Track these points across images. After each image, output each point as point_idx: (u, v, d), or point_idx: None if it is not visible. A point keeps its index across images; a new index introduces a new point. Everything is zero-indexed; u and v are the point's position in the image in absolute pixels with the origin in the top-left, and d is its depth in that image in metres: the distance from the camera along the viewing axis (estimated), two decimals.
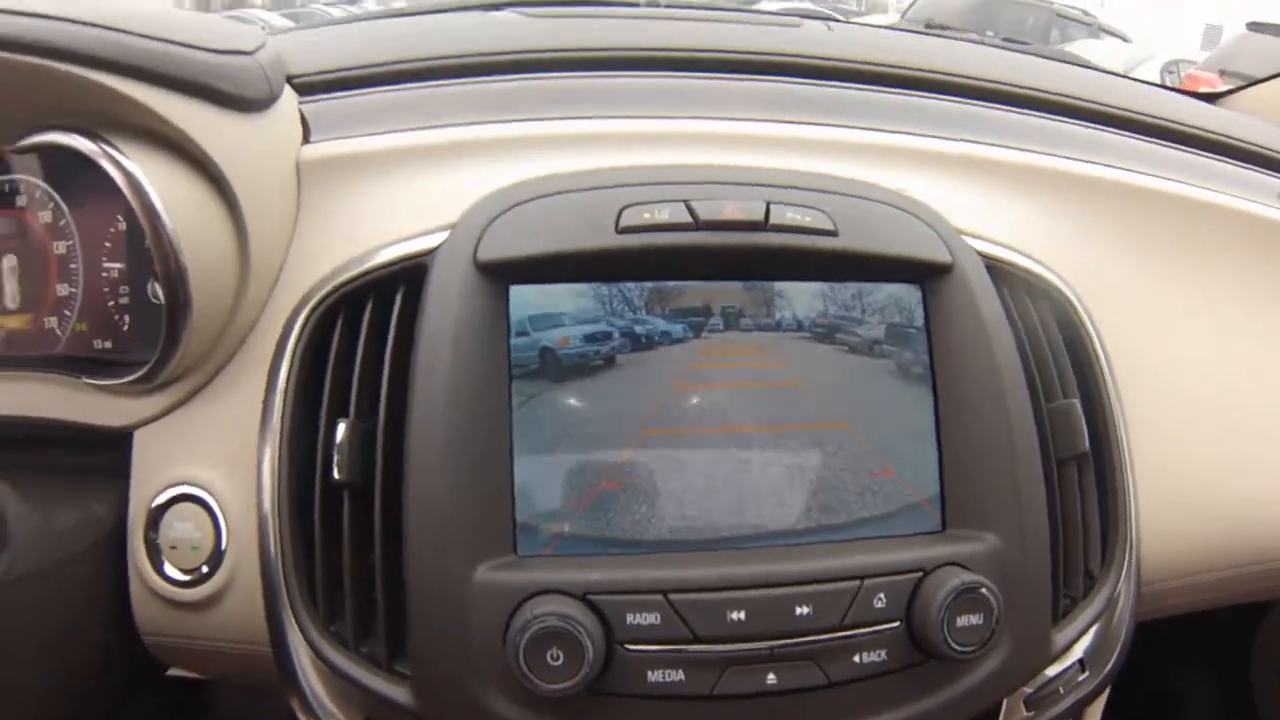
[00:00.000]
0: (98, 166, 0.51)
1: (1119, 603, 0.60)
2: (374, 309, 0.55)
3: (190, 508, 0.55)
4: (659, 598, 0.49)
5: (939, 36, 1.07)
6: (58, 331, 0.59)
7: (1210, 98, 1.06)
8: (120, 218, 0.58)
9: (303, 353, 0.55)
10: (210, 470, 0.56)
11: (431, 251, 0.55)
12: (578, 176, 0.58)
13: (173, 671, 0.65)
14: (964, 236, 0.59)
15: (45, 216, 0.59)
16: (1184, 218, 0.69)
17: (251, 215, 0.54)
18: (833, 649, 0.50)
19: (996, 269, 0.60)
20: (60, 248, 0.59)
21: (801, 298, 0.55)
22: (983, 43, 1.10)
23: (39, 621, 0.54)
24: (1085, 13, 9.21)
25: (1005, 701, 0.57)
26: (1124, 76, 1.17)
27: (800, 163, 0.62)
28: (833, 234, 0.54)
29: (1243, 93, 1.02)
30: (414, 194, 0.58)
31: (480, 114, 0.63)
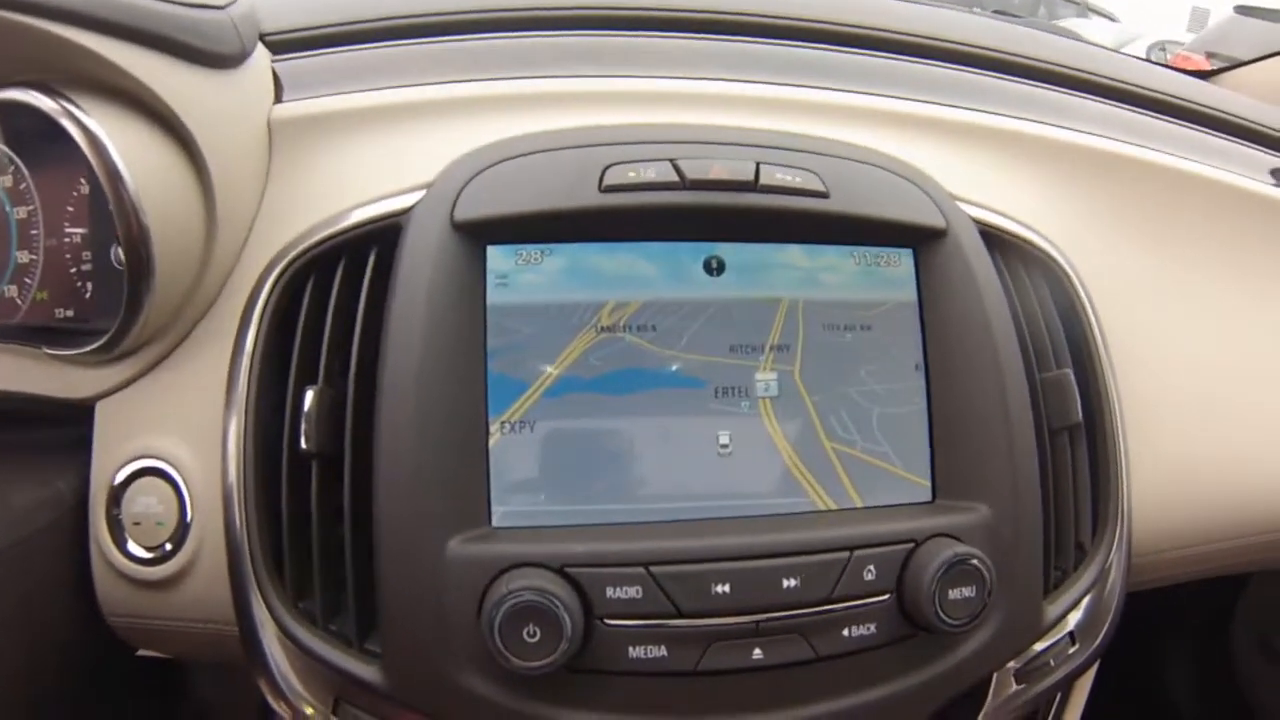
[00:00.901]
0: (59, 126, 0.49)
1: (1110, 575, 0.60)
2: (345, 271, 0.54)
3: (154, 481, 0.54)
4: (640, 570, 0.47)
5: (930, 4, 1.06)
6: (18, 300, 0.57)
7: (1200, 76, 1.06)
8: (83, 180, 0.56)
9: (270, 317, 0.54)
10: (174, 442, 0.54)
11: (406, 211, 0.53)
12: (559, 135, 0.56)
13: (143, 651, 0.63)
14: (959, 202, 0.58)
15: (5, 180, 0.56)
16: (1177, 191, 0.69)
17: (219, 176, 0.53)
18: (821, 622, 0.49)
19: (991, 236, 0.59)
20: (21, 213, 0.56)
21: (790, 260, 0.54)
22: (983, 13, 1.09)
23: (7, 601, 0.52)
24: None
25: (995, 674, 0.56)
26: (1121, 53, 1.17)
27: (791, 124, 0.61)
28: (824, 196, 0.53)
29: (1230, 73, 1.04)
30: (389, 153, 0.57)
31: (457, 72, 0.61)
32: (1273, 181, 0.74)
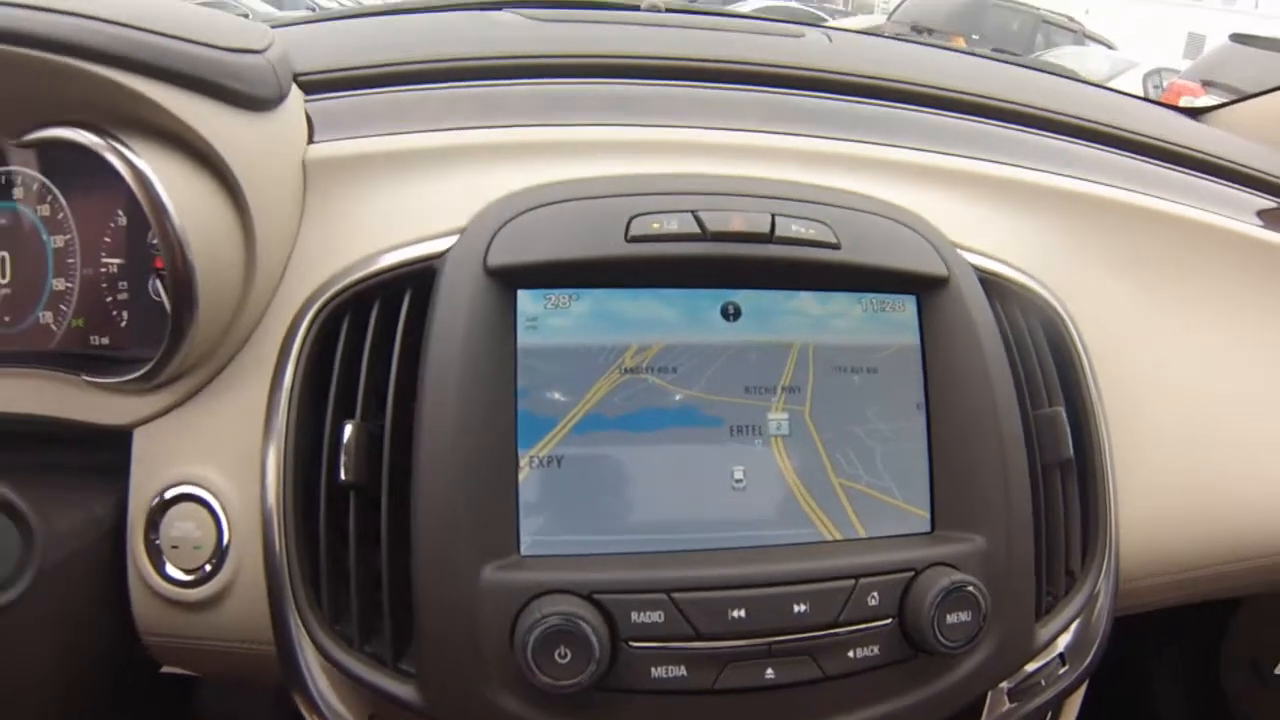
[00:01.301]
0: (97, 161, 0.51)
1: (1098, 600, 0.62)
2: (381, 311, 0.56)
3: (191, 507, 0.55)
4: (663, 597, 0.50)
5: (929, 45, 1.08)
6: (53, 327, 0.59)
7: (1196, 112, 1.08)
8: (121, 213, 0.58)
9: (308, 353, 0.56)
10: (211, 469, 0.56)
11: (440, 255, 0.55)
12: (586, 184, 0.58)
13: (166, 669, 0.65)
14: (958, 249, 0.60)
15: (43, 210, 0.59)
16: (1168, 234, 0.71)
17: (258, 213, 0.54)
18: (829, 645, 0.52)
19: (990, 281, 0.61)
20: (58, 241, 0.58)
21: (801, 307, 0.57)
22: (974, 54, 1.12)
23: (40, 624, 0.54)
24: (1071, 19, 9.31)
25: (990, 693, 0.59)
26: (1110, 89, 1.20)
27: (803, 174, 0.63)
28: (835, 247, 0.56)
29: (1235, 106, 1.05)
30: (420, 196, 0.59)
31: (485, 118, 0.63)
32: (1260, 223, 0.76)
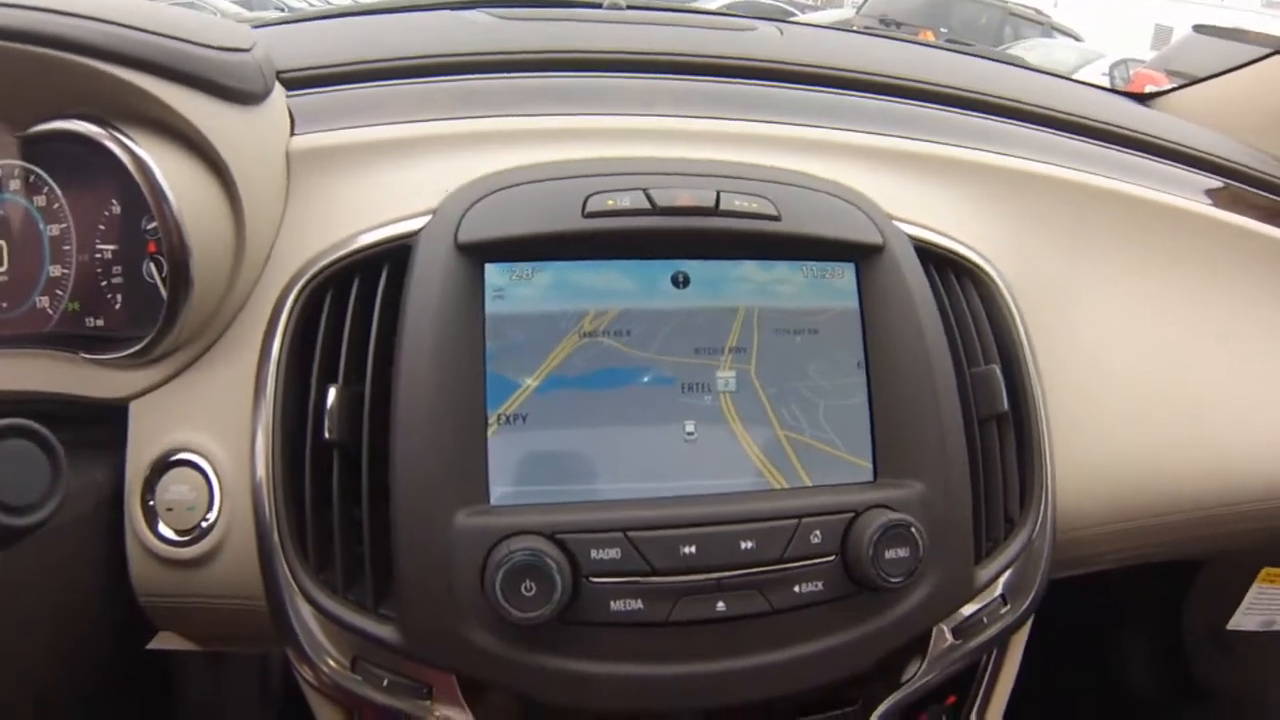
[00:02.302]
0: (92, 153, 0.54)
1: (1036, 545, 0.66)
2: (361, 285, 0.60)
3: (185, 471, 0.59)
4: (619, 535, 0.54)
5: (884, 37, 1.13)
6: (49, 310, 0.62)
7: (1146, 97, 1.11)
8: (115, 201, 0.61)
9: (294, 326, 0.60)
10: (204, 435, 0.60)
11: (415, 234, 0.59)
12: (547, 167, 0.63)
13: (153, 645, 0.68)
14: (895, 221, 0.65)
15: (39, 200, 0.62)
16: (1104, 207, 0.75)
17: (247, 199, 0.58)
18: (775, 580, 0.56)
19: (924, 250, 0.65)
20: (54, 230, 0.61)
21: (746, 274, 0.61)
22: (926, 44, 1.16)
23: (48, 582, 0.58)
24: (1038, 11, 9.38)
25: (934, 630, 0.63)
26: (1063, 77, 1.24)
27: (748, 156, 0.67)
28: (776, 219, 0.60)
29: (1183, 91, 1.08)
30: (395, 182, 0.63)
31: (456, 110, 0.68)
32: (1208, 201, 0.81)
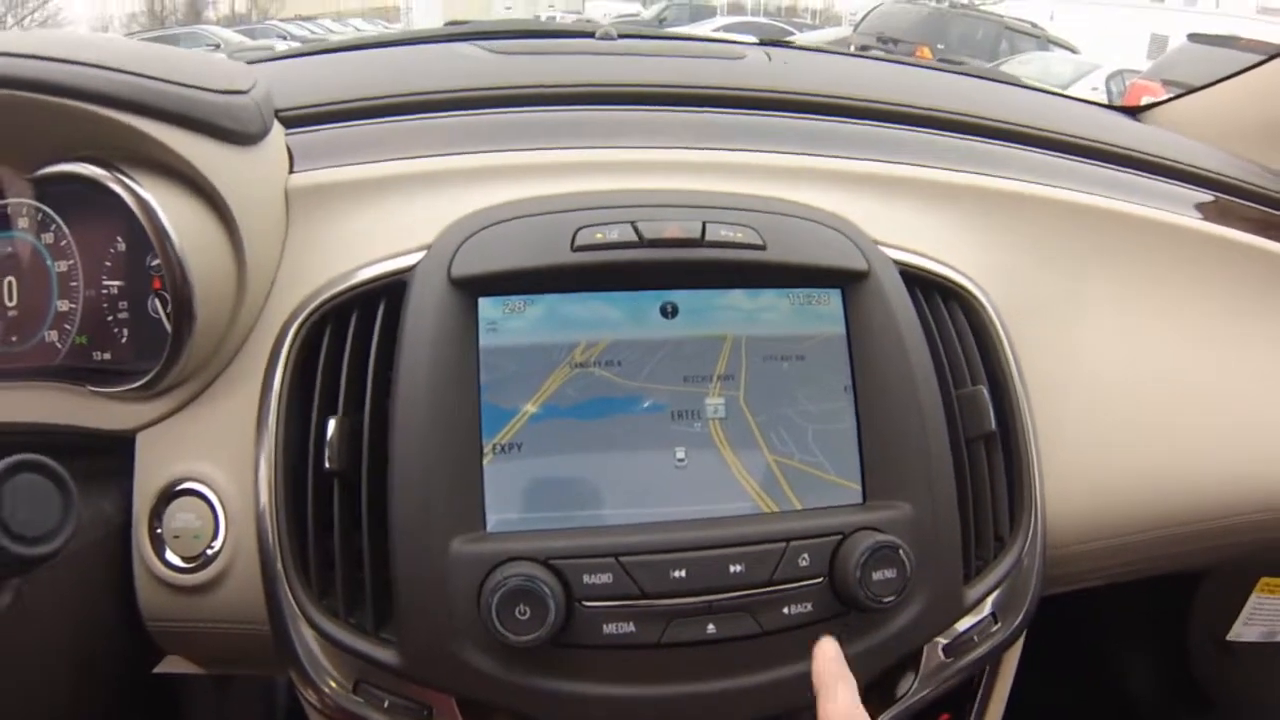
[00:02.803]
0: (99, 192, 0.56)
1: (1026, 563, 0.66)
2: (359, 320, 0.61)
3: (191, 500, 0.61)
4: (611, 560, 0.55)
5: (874, 59, 1.14)
6: (58, 344, 0.63)
7: (1137, 111, 1.12)
8: (120, 239, 0.63)
9: (294, 360, 0.61)
10: (209, 466, 0.61)
11: (410, 269, 0.61)
12: (537, 201, 0.64)
13: (160, 669, 0.69)
14: (880, 246, 0.66)
15: (47, 238, 0.63)
16: (1092, 225, 0.76)
17: (248, 237, 0.60)
18: (764, 602, 0.57)
19: (910, 274, 0.66)
20: (61, 266, 0.63)
21: (733, 303, 0.62)
22: (914, 64, 1.18)
23: (59, 609, 0.59)
24: (1034, 25, 9.42)
25: (925, 649, 0.63)
26: (1052, 93, 1.25)
27: (734, 185, 0.69)
28: (761, 248, 0.61)
29: (1175, 103, 1.09)
30: (390, 218, 0.65)
31: (449, 146, 0.69)
32: (1198, 215, 0.81)
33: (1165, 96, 1.14)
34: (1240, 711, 1.12)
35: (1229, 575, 1.00)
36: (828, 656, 0.54)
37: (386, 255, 0.62)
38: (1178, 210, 0.80)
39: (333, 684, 0.59)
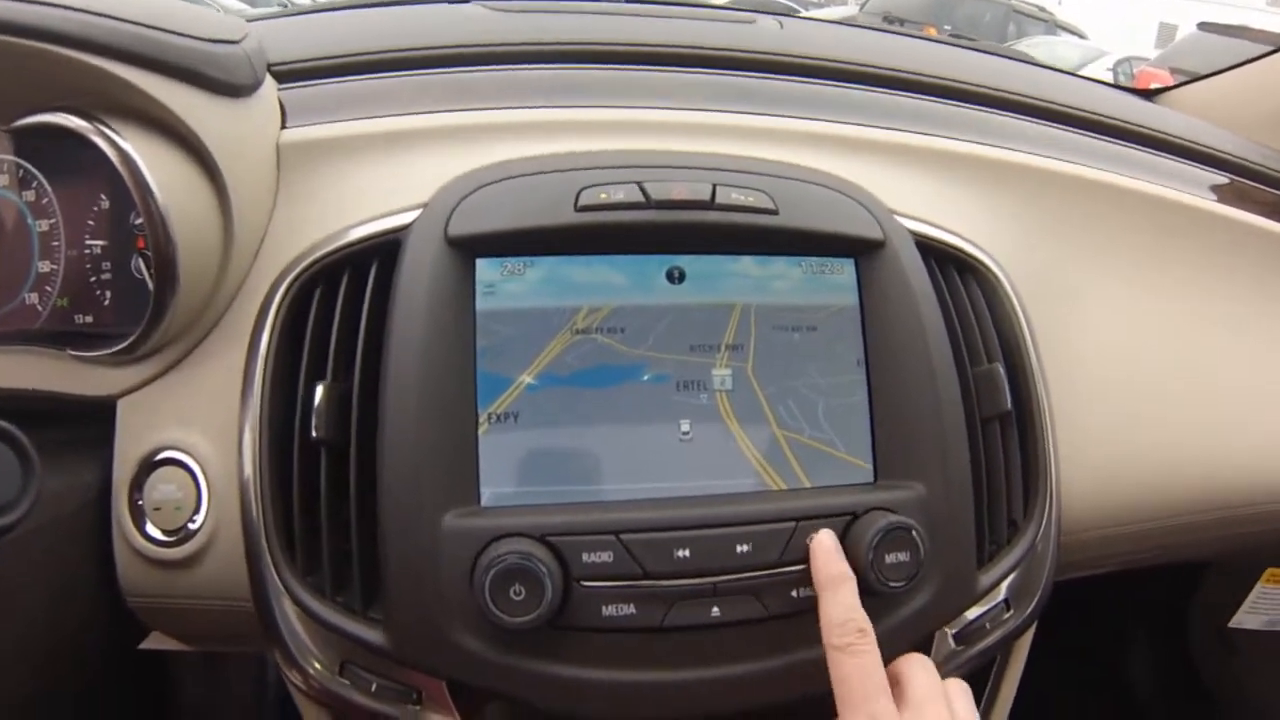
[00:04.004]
0: (81, 147, 0.53)
1: (1040, 548, 0.65)
2: (350, 281, 0.59)
3: (173, 470, 0.58)
4: (611, 538, 0.53)
5: (886, 32, 1.12)
6: (39, 307, 0.61)
7: (1150, 94, 1.11)
8: (104, 197, 0.61)
9: (282, 322, 0.59)
10: (192, 434, 0.59)
11: (405, 228, 0.58)
12: (539, 160, 0.62)
13: (145, 645, 0.68)
14: (896, 216, 0.64)
15: (28, 195, 0.61)
16: (1109, 202, 0.74)
17: (235, 194, 0.57)
18: (771, 584, 0.54)
19: (926, 245, 0.64)
20: (42, 225, 0.61)
21: (743, 269, 0.60)
22: (929, 39, 1.15)
23: (31, 582, 0.57)
24: (1041, 9, 9.38)
25: (936, 635, 0.62)
26: (1068, 73, 1.23)
27: (745, 149, 0.66)
28: (773, 213, 0.59)
29: (1186, 87, 1.07)
30: (385, 175, 0.62)
31: (448, 102, 0.66)
32: (1213, 196, 0.80)
33: (1176, 83, 1.12)
34: (1240, 701, 1.11)
35: (1235, 565, 0.99)
36: (826, 549, 0.53)
37: (381, 214, 0.60)
38: (1194, 191, 0.79)
39: (317, 665, 0.57)
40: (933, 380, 0.59)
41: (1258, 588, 1.00)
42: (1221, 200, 0.79)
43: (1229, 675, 1.09)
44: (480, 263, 0.57)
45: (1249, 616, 1.02)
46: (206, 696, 1.02)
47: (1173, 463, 0.71)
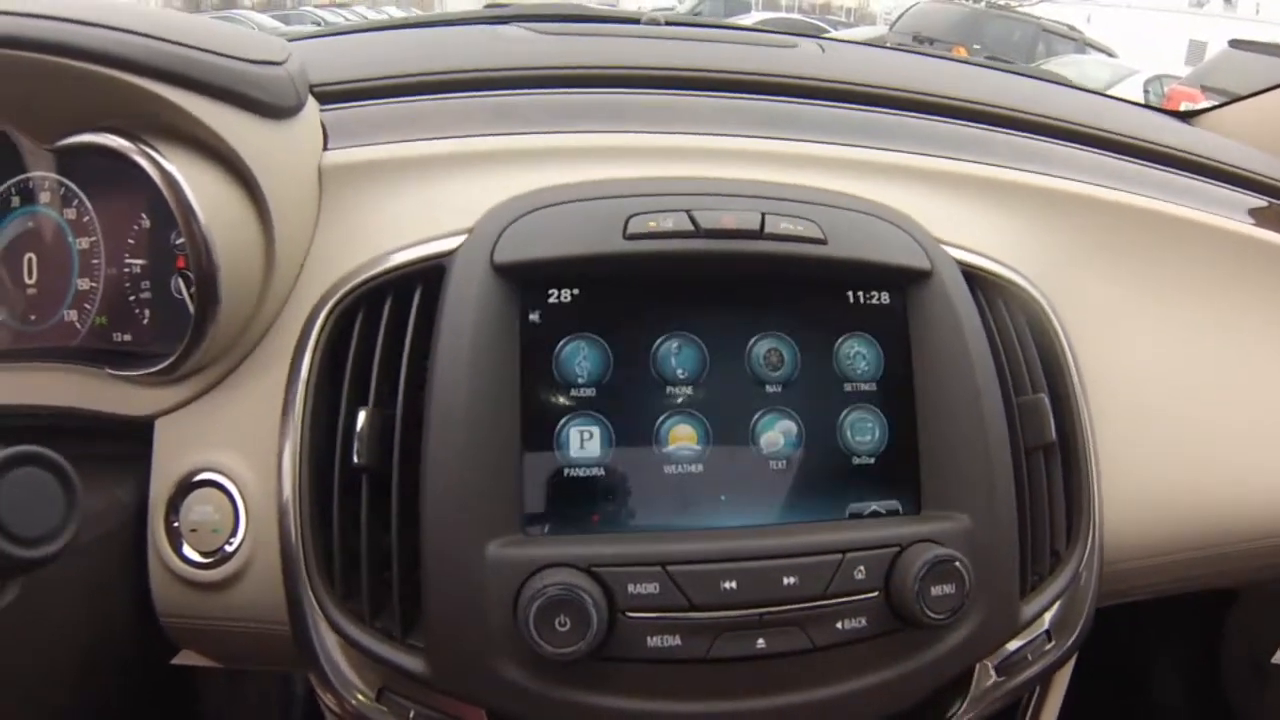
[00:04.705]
0: (124, 166, 0.53)
1: (1083, 579, 0.65)
2: (393, 306, 0.59)
3: (210, 492, 0.58)
4: (658, 569, 0.52)
5: (922, 54, 1.11)
6: (78, 324, 0.62)
7: (1188, 115, 1.10)
8: (144, 216, 0.61)
9: (324, 346, 0.59)
10: (230, 456, 0.59)
11: (449, 254, 0.58)
12: (587, 186, 0.62)
13: (175, 661, 0.67)
14: (943, 245, 0.63)
15: (69, 214, 0.62)
16: (1151, 229, 0.74)
17: (278, 215, 0.57)
18: (817, 616, 0.54)
19: (972, 275, 0.64)
20: (83, 243, 0.62)
21: (792, 303, 0.59)
22: (966, 61, 1.14)
23: (67, 600, 0.57)
24: (1071, 27, 9.35)
25: (978, 668, 0.61)
26: (1104, 95, 1.22)
27: (793, 176, 0.66)
28: (822, 242, 0.59)
29: (1225, 109, 1.07)
30: (429, 199, 0.62)
31: (490, 126, 0.67)
32: (1251, 221, 0.79)
33: (1205, 103, 1.13)
34: None
35: (1266, 593, 0.98)
36: None
37: (425, 238, 0.60)
38: (1233, 215, 0.78)
39: (356, 693, 0.57)
40: (980, 411, 0.59)
41: None
42: (1260, 224, 0.79)
43: (1261, 703, 1.06)
44: (526, 290, 0.57)
45: None
46: (229, 711, 1.02)
47: (1216, 492, 0.70)
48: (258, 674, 1.04)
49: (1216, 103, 1.11)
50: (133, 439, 0.60)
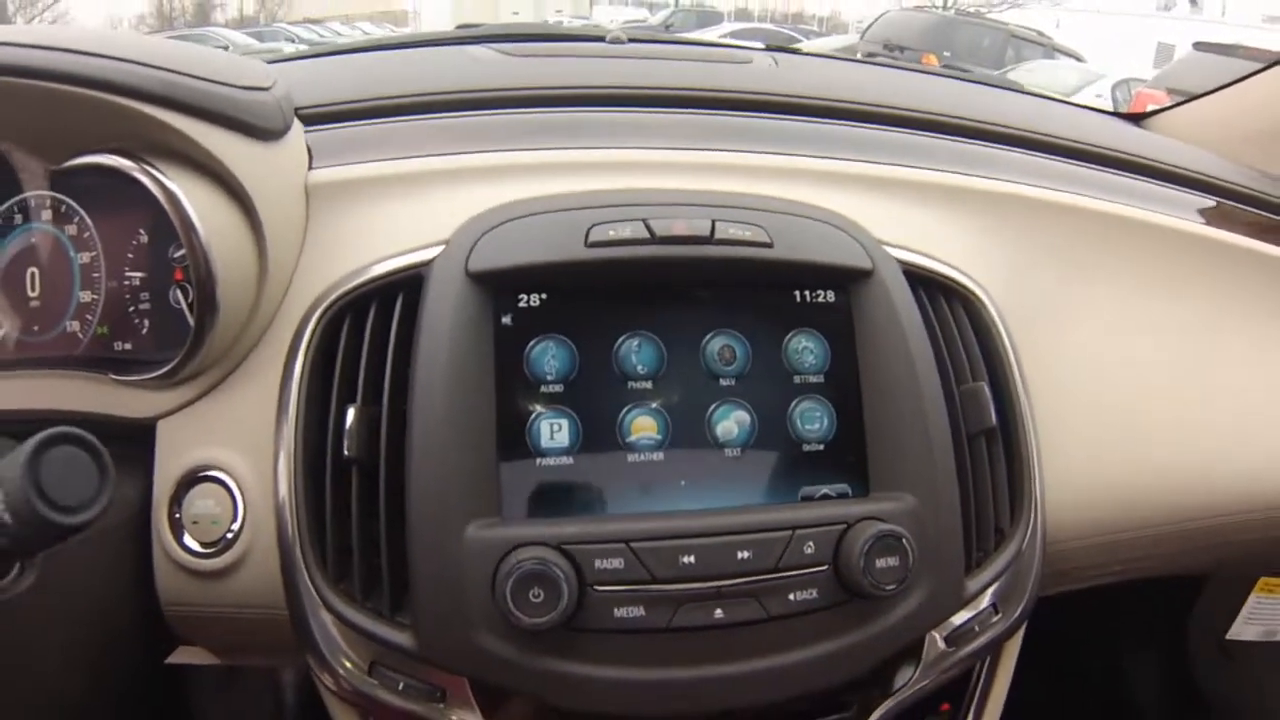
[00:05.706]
0: (123, 184, 0.57)
1: (1026, 556, 0.68)
2: (377, 312, 0.63)
3: (210, 487, 0.62)
4: (622, 546, 0.57)
5: (879, 65, 1.16)
6: (80, 334, 0.65)
7: (1139, 117, 1.13)
8: (142, 231, 0.65)
9: (314, 350, 0.63)
10: (229, 453, 0.63)
11: (428, 263, 0.63)
12: (552, 199, 0.66)
13: (171, 659, 0.71)
14: (885, 246, 0.67)
15: (70, 230, 0.65)
16: (1097, 229, 0.78)
17: (269, 230, 0.61)
18: (771, 587, 0.58)
19: (914, 273, 0.68)
20: (84, 258, 0.65)
21: (743, 302, 0.64)
22: (919, 70, 1.19)
23: (75, 591, 0.60)
24: (1040, 33, 9.44)
25: (927, 638, 0.65)
26: (1056, 100, 1.26)
27: (743, 186, 0.70)
28: (769, 246, 0.63)
29: (1177, 110, 1.10)
30: (408, 213, 0.66)
31: (465, 144, 0.71)
32: (1201, 220, 0.82)
33: (1170, 104, 1.14)
34: (1239, 712, 1.12)
35: (1229, 575, 1.01)
36: None
37: (404, 249, 0.64)
38: (1179, 214, 0.81)
39: (348, 666, 0.60)
40: (920, 399, 0.63)
41: (1252, 598, 1.02)
42: (1209, 223, 0.82)
43: (1228, 686, 1.10)
44: (499, 295, 0.61)
45: (1246, 627, 1.04)
46: (224, 712, 1.05)
47: (1156, 474, 0.74)
48: (248, 681, 1.07)
49: (1171, 104, 1.13)
50: (136, 440, 0.63)
